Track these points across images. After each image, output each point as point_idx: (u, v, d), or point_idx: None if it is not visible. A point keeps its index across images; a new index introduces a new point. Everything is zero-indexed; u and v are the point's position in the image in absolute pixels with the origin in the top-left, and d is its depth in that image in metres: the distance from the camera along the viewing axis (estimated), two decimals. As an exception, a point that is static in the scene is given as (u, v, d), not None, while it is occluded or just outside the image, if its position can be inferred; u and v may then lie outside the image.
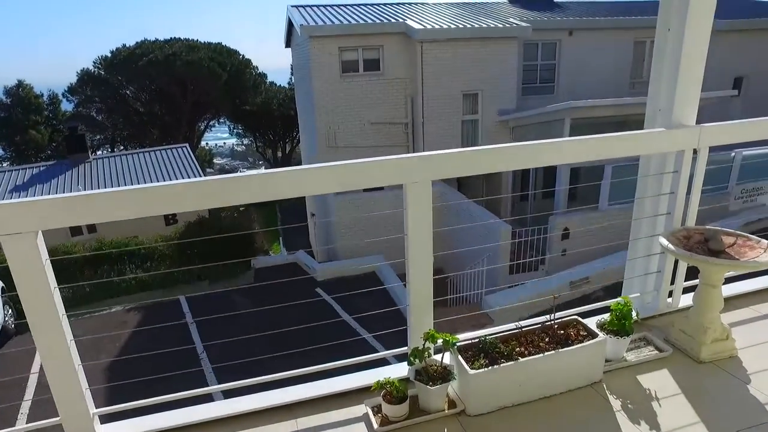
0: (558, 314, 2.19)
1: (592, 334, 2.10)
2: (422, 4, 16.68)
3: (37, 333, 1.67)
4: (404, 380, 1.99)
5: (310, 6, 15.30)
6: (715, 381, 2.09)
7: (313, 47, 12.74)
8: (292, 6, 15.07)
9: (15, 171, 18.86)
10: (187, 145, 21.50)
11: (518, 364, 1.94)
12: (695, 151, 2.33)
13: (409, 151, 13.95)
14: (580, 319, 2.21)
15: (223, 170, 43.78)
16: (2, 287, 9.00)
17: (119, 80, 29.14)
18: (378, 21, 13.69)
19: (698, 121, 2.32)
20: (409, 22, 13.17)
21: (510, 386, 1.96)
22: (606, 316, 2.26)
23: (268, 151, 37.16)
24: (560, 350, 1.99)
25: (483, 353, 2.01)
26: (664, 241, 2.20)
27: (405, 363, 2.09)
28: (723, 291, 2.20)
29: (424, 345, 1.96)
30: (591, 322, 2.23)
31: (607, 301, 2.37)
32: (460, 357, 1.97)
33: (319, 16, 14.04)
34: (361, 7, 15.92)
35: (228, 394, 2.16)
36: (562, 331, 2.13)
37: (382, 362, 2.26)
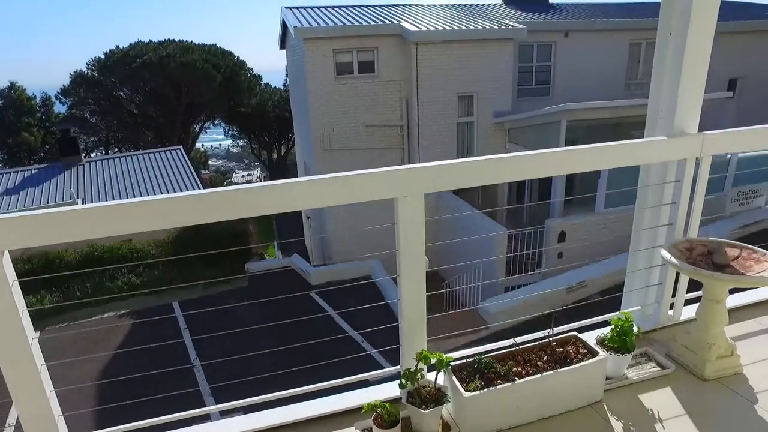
0: (556, 329, 2.10)
1: (592, 352, 2.01)
2: (417, 5, 16.61)
3: (4, 362, 1.56)
4: (396, 401, 1.90)
5: (304, 7, 15.18)
6: (720, 400, 2.01)
7: (307, 49, 12.63)
8: (285, 7, 14.95)
9: (7, 174, 18.59)
10: (181, 147, 21.31)
11: (515, 385, 1.85)
12: (698, 160, 2.26)
13: (404, 153, 13.87)
14: (579, 335, 2.13)
15: (218, 171, 43.69)
16: None
17: (113, 82, 28.90)
18: (372, 23, 13.59)
19: (693, 125, 2.24)
20: (404, 23, 13.09)
21: (507, 408, 1.88)
22: (606, 331, 2.18)
23: (263, 152, 37.02)
24: (559, 370, 1.90)
25: (478, 374, 1.92)
26: (666, 254, 2.12)
27: (397, 382, 2.00)
28: (726, 303, 2.11)
29: (416, 366, 1.86)
30: (590, 337, 2.15)
31: (606, 315, 2.29)
32: (454, 378, 1.88)
33: (313, 18, 13.92)
34: (356, 8, 15.82)
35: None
36: (560, 349, 2.05)
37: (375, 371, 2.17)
